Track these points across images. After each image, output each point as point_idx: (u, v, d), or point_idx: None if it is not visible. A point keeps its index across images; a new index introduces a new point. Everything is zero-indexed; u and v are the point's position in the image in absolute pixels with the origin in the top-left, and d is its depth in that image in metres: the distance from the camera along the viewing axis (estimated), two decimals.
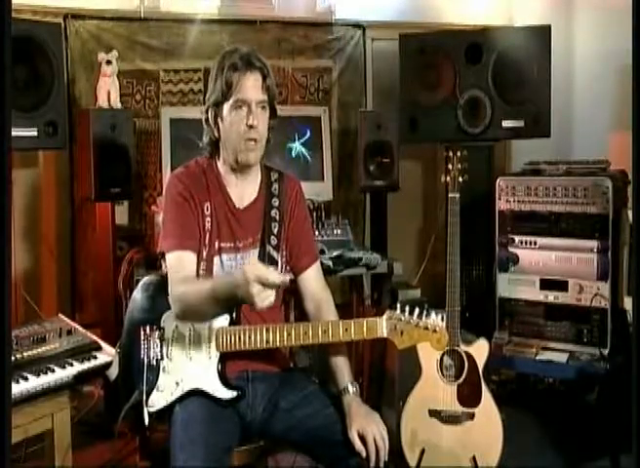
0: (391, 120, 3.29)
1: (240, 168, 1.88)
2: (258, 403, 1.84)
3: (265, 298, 1.57)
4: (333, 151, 3.46)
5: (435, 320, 1.70)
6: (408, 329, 1.71)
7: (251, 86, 1.80)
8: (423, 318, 1.71)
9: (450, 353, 2.45)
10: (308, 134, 3.28)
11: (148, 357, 1.81)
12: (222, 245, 1.87)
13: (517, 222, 3.19)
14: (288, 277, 1.66)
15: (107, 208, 3.04)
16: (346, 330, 1.74)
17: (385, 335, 1.73)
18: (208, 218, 1.86)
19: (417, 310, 1.72)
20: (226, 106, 1.82)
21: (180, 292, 1.75)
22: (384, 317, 1.73)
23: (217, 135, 1.88)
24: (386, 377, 2.92)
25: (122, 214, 3.33)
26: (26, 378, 1.87)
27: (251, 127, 1.80)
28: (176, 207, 1.85)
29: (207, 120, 1.88)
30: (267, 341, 1.75)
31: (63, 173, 3.31)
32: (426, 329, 1.70)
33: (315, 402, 1.82)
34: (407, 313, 1.72)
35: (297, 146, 3.26)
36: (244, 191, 1.92)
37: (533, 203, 3.15)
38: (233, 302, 1.69)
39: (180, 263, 1.80)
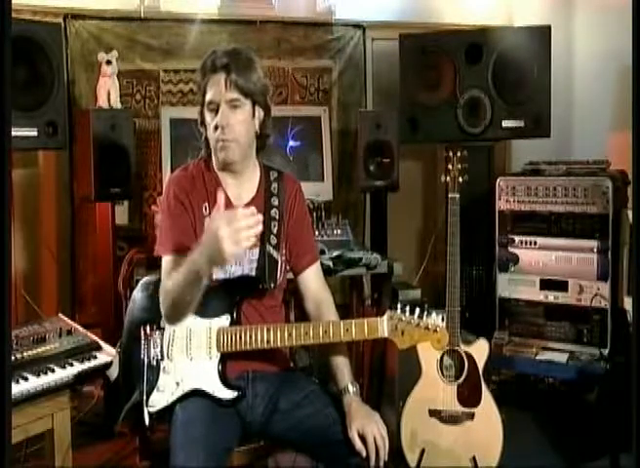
0: (391, 120, 3.28)
1: (224, 167, 1.88)
2: (258, 403, 1.84)
3: (240, 240, 1.54)
4: (333, 151, 3.45)
5: (435, 320, 1.71)
6: (408, 329, 1.71)
7: (215, 86, 1.81)
8: (424, 318, 1.71)
9: (450, 353, 2.45)
10: (298, 142, 3.28)
11: (149, 357, 1.81)
12: None
13: (517, 222, 3.19)
14: (260, 216, 1.61)
15: (107, 208, 3.03)
16: (347, 330, 1.74)
17: (386, 336, 1.73)
18: (206, 219, 1.87)
19: (417, 310, 1.72)
20: (205, 109, 1.85)
21: (168, 286, 1.74)
22: (385, 317, 1.73)
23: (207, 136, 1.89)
24: (386, 377, 2.92)
25: (122, 214, 3.32)
26: (26, 378, 1.88)
27: (219, 127, 1.80)
28: (172, 212, 1.86)
29: (201, 122, 1.90)
30: (268, 341, 1.75)
31: (63, 173, 3.31)
32: (427, 329, 1.70)
33: (315, 402, 1.82)
34: (407, 313, 1.72)
35: (296, 146, 3.26)
36: (241, 190, 1.92)
37: (533, 203, 3.15)
38: (211, 266, 1.63)
39: (172, 269, 1.80)
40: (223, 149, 1.82)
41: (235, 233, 1.55)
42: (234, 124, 1.81)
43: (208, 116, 1.84)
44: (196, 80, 1.87)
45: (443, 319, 1.72)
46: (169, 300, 1.74)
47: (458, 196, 2.54)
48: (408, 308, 1.73)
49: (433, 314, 1.71)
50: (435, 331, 1.70)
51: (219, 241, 1.54)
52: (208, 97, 1.82)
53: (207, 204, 1.88)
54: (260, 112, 1.89)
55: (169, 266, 1.81)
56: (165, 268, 1.82)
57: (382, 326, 1.73)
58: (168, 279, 1.76)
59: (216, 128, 1.80)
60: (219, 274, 1.86)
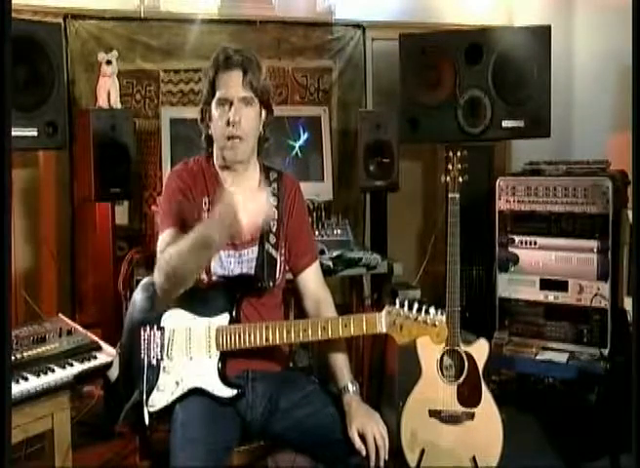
0: (391, 120, 3.28)
1: (228, 165, 1.88)
2: (258, 402, 1.84)
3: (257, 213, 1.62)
4: (333, 151, 3.45)
5: (434, 314, 1.70)
6: (407, 323, 1.71)
7: (231, 83, 1.82)
8: (422, 313, 1.71)
9: (450, 353, 2.45)
10: (307, 133, 3.28)
11: (148, 357, 1.81)
12: None
13: (517, 222, 3.19)
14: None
15: (107, 208, 3.04)
16: (346, 325, 1.74)
17: (385, 331, 1.72)
18: (205, 214, 1.87)
19: (416, 305, 1.72)
20: (213, 105, 1.85)
21: (169, 253, 1.71)
22: (383, 312, 1.73)
23: (210, 133, 1.90)
24: (386, 377, 2.92)
25: (122, 214, 3.32)
26: (26, 378, 1.87)
27: (231, 124, 1.80)
28: (173, 199, 1.87)
29: (202, 120, 1.91)
30: (267, 339, 1.75)
31: (63, 173, 3.30)
32: (425, 323, 1.70)
33: (315, 401, 1.82)
34: (406, 308, 1.72)
35: (296, 146, 3.26)
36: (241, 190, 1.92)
37: (533, 203, 3.15)
38: (224, 236, 1.66)
39: (170, 238, 1.78)
40: (232, 147, 1.83)
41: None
42: (246, 120, 1.83)
43: (217, 111, 1.83)
44: (207, 75, 1.85)
45: (442, 314, 1.71)
46: (168, 268, 1.69)
47: (458, 196, 2.54)
48: (407, 303, 1.73)
49: (432, 309, 1.71)
50: (434, 325, 1.69)
51: (235, 211, 1.57)
52: (220, 93, 1.82)
53: (207, 198, 1.88)
54: (264, 113, 1.89)
55: (168, 238, 1.79)
56: (163, 240, 1.80)
57: (381, 321, 1.72)
58: (170, 247, 1.73)
59: (227, 124, 1.80)
60: (218, 271, 1.86)
